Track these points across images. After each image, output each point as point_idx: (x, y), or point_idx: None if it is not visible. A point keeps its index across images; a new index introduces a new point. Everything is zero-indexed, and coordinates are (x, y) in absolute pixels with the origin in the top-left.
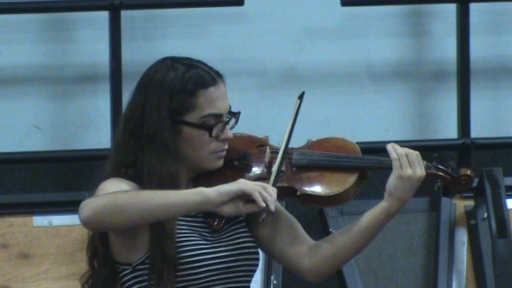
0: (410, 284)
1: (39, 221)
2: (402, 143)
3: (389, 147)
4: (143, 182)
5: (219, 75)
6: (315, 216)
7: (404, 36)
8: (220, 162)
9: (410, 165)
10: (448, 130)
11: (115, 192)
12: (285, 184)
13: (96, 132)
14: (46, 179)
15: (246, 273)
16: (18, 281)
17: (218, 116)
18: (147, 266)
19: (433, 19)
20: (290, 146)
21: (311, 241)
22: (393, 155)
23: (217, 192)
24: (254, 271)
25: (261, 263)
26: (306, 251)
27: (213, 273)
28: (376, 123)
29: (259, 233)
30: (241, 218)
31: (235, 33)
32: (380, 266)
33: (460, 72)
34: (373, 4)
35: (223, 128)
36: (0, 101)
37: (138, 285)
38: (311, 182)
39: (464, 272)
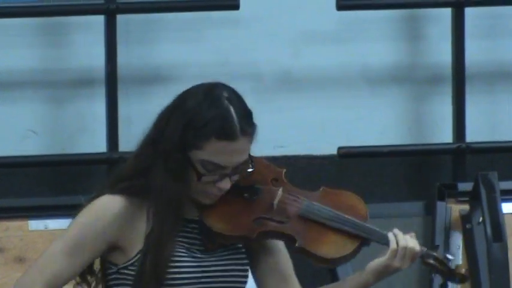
0: (406, 287)
1: (35, 225)
2: (398, 147)
3: (391, 236)
4: (151, 196)
5: (247, 131)
6: None
7: (399, 41)
8: (211, 201)
9: (403, 259)
10: (444, 134)
11: None
12: (286, 232)
13: (92, 137)
14: (42, 183)
15: None
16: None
17: (220, 167)
18: (131, 271)
19: (428, 23)
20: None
21: None
22: (393, 245)
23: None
24: None
25: None
26: None
27: None
28: (371, 127)
29: (255, 266)
30: (240, 245)
31: (231, 37)
32: None
33: (456, 76)
34: (369, 8)
35: (222, 177)
36: None
37: None
38: (312, 238)
39: None
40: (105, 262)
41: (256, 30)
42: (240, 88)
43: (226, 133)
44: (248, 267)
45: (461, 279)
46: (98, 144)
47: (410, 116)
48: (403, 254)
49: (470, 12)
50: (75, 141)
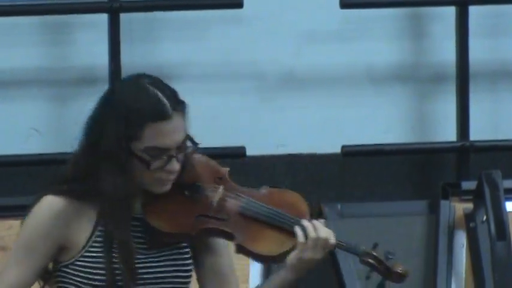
0: (410, 286)
1: None
2: (401, 146)
3: (297, 229)
4: (100, 199)
5: (178, 107)
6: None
7: (403, 39)
8: (165, 188)
9: (314, 250)
10: (447, 133)
11: None
12: (226, 229)
13: None
14: (45, 182)
15: None
16: None
17: (164, 150)
18: (71, 270)
19: (432, 22)
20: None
21: None
22: (300, 238)
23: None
24: None
25: (260, 268)
26: None
27: None
28: (375, 126)
29: (196, 266)
30: (184, 245)
31: (235, 36)
32: None
33: (459, 75)
34: (372, 7)
35: (169, 160)
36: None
37: (57, 285)
38: (250, 236)
39: (463, 275)
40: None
41: (260, 29)
42: (243, 87)
43: (159, 114)
44: (191, 267)
45: (398, 278)
46: None
47: (414, 115)
48: (314, 245)
49: (474, 10)
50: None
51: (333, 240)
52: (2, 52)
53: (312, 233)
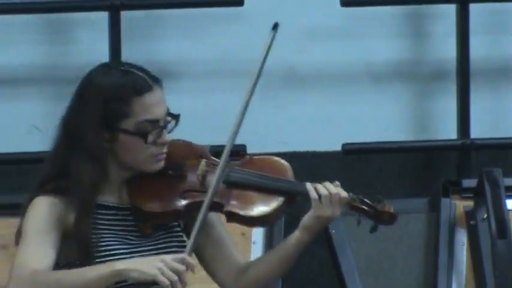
0: (410, 284)
1: None
2: (402, 144)
3: (308, 185)
4: (70, 191)
5: (156, 80)
6: None
7: (404, 37)
8: (160, 165)
9: (331, 206)
10: (448, 130)
11: (32, 275)
12: (216, 199)
13: None
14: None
15: None
16: None
17: (154, 122)
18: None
19: (432, 20)
20: (229, 159)
21: (241, 263)
22: (313, 194)
23: (130, 272)
24: None
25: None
26: (234, 273)
27: None
28: (376, 124)
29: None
30: (177, 224)
31: (235, 33)
32: (380, 267)
33: (460, 72)
34: (373, 5)
35: (160, 133)
36: (0, 101)
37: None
38: (237, 201)
39: (464, 273)
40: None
41: (260, 27)
42: (244, 84)
43: (142, 86)
44: (184, 243)
45: (389, 218)
46: None
47: (415, 112)
48: (329, 201)
49: (474, 8)
50: None
51: (342, 193)
52: (2, 50)
53: (322, 189)
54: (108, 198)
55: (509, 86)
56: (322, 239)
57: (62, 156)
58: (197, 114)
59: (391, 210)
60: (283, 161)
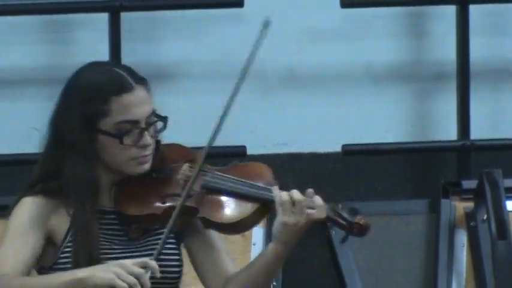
0: (410, 285)
1: None
2: (402, 145)
3: (275, 190)
4: (65, 192)
5: (140, 81)
6: None
7: (404, 38)
8: (144, 167)
9: (295, 213)
10: (448, 131)
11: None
12: (189, 204)
13: None
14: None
15: (161, 285)
16: None
17: (134, 123)
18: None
19: (432, 20)
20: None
21: (230, 272)
22: (277, 199)
23: (90, 279)
24: (174, 282)
25: None
26: (221, 281)
27: None
28: (376, 125)
29: (187, 245)
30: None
31: (235, 35)
32: (380, 268)
33: (460, 73)
34: (373, 6)
35: (141, 134)
36: (0, 102)
37: None
38: (212, 207)
39: (464, 274)
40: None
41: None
42: (244, 86)
43: (122, 86)
44: (176, 253)
45: (358, 229)
46: None
47: (415, 114)
48: (291, 208)
49: (474, 9)
50: None
51: (310, 202)
52: (3, 51)
53: (285, 196)
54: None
55: (509, 87)
56: (322, 239)
57: (51, 157)
58: (197, 115)
59: (362, 222)
60: (264, 166)
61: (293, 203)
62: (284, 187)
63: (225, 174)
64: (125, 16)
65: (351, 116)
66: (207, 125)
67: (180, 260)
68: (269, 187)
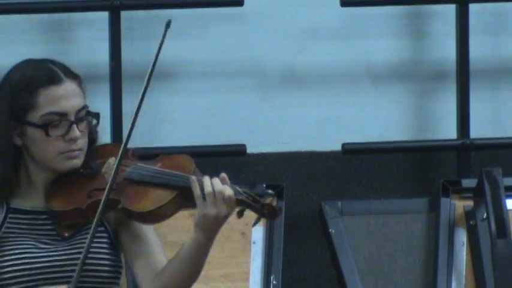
0: (410, 284)
1: None
2: (402, 144)
3: (193, 180)
4: None
5: (69, 75)
6: (315, 217)
7: (403, 37)
8: (73, 162)
9: (215, 206)
10: (448, 130)
11: None
12: (112, 196)
13: None
14: None
15: (91, 285)
16: None
17: (61, 115)
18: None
19: (432, 20)
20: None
21: (162, 266)
22: (196, 192)
23: None
24: (108, 282)
25: (260, 263)
26: (151, 274)
27: (38, 282)
28: (375, 124)
29: (120, 240)
30: (103, 223)
31: (235, 33)
32: (380, 267)
33: (460, 72)
34: (373, 5)
35: (69, 128)
36: None
37: None
38: (132, 197)
39: (464, 273)
40: None
41: (260, 27)
42: (244, 85)
43: (50, 78)
44: (108, 245)
45: (269, 211)
46: (101, 140)
47: (415, 113)
48: (213, 199)
49: (474, 8)
50: None
51: (229, 192)
52: (1, 50)
53: (207, 187)
54: (29, 202)
55: (509, 86)
56: (322, 239)
57: None
58: (196, 115)
59: (274, 203)
60: (185, 156)
61: (213, 195)
62: (284, 186)
63: (146, 165)
64: (124, 15)
65: (350, 114)
66: (207, 124)
67: (114, 259)
68: (186, 175)
